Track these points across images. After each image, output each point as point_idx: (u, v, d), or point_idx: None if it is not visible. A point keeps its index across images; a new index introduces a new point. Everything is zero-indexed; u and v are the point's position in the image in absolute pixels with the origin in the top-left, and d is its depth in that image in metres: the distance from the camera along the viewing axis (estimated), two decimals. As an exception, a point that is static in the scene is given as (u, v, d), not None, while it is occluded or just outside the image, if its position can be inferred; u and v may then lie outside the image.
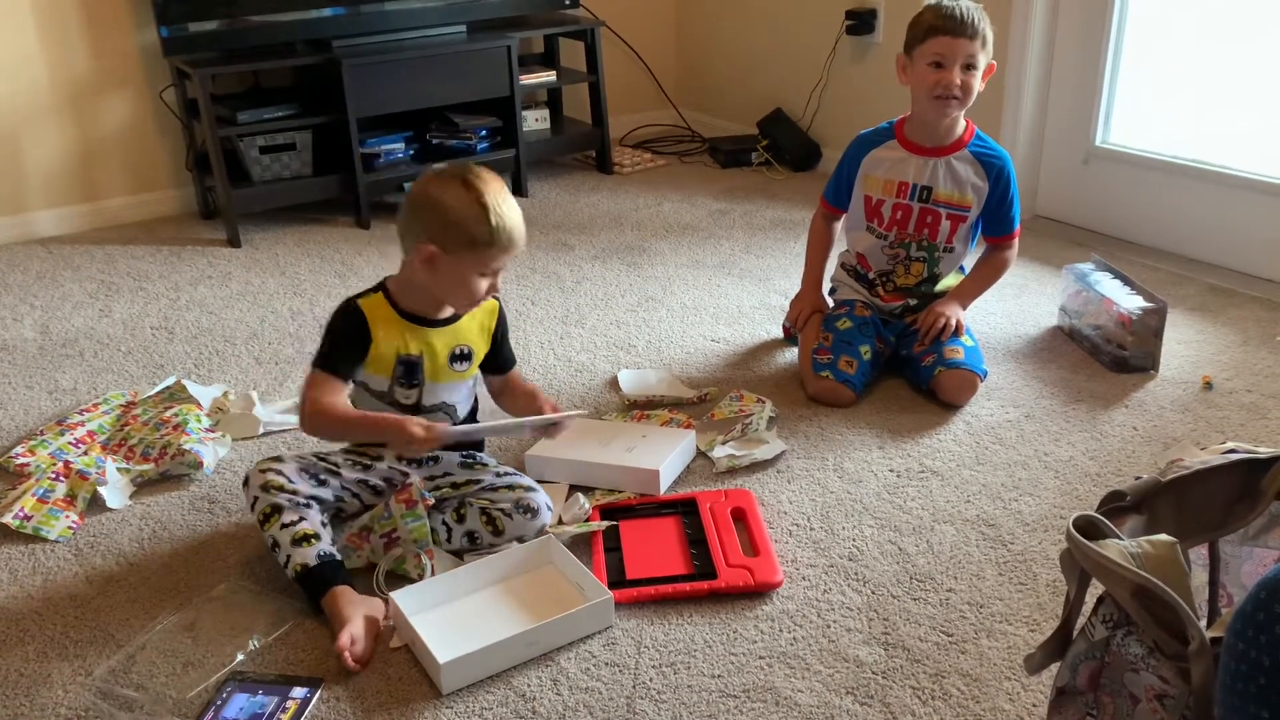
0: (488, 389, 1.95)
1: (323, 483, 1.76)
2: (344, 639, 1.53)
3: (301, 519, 1.68)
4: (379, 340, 1.73)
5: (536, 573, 1.73)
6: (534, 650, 1.56)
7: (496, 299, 1.82)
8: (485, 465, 1.88)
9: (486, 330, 1.84)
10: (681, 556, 1.76)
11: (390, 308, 1.75)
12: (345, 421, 1.72)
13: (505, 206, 1.66)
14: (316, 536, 1.66)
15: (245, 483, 1.74)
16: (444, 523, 1.79)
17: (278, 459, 1.76)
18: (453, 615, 1.63)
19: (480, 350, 1.83)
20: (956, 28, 2.17)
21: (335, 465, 1.80)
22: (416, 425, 1.67)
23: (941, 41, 2.18)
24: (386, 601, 1.63)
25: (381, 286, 1.78)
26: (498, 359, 1.88)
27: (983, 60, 2.20)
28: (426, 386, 1.79)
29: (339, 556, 1.67)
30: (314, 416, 1.70)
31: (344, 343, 1.74)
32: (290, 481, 1.72)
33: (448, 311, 1.77)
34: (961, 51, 2.17)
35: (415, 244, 1.68)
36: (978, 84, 2.22)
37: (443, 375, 1.80)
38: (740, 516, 1.86)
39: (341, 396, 1.73)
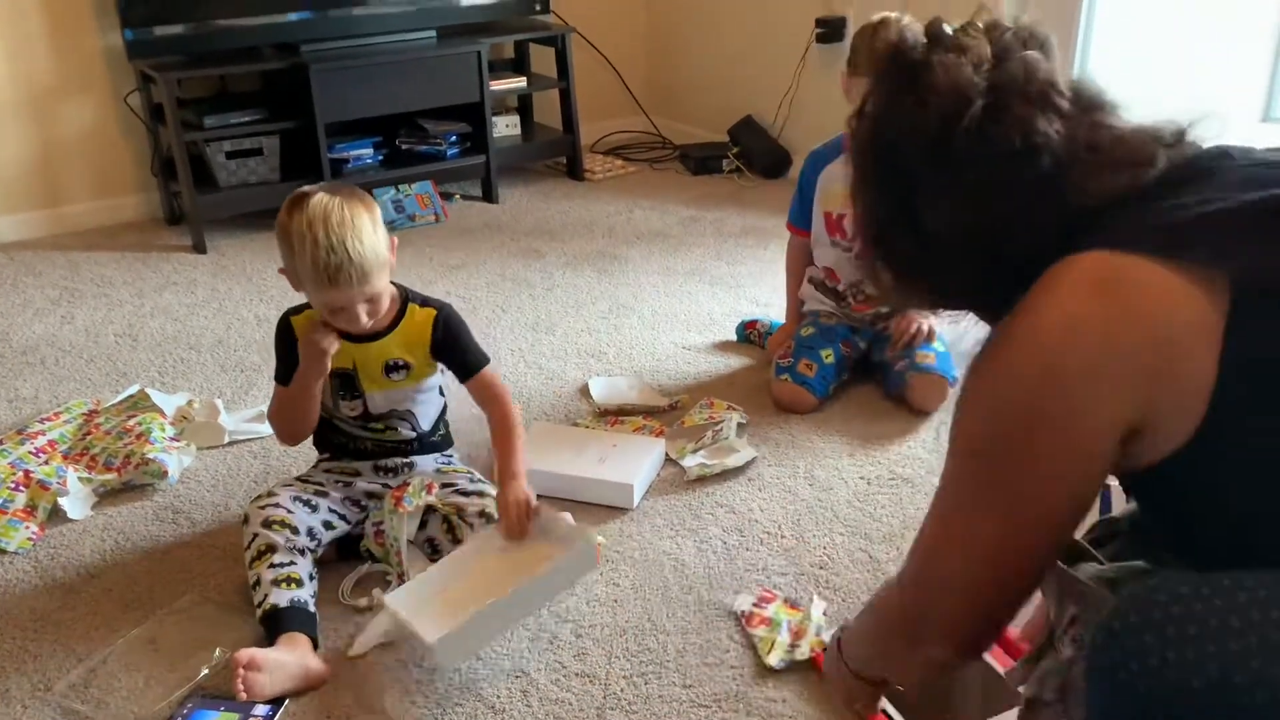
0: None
1: (315, 508, 1.75)
2: (244, 655, 1.48)
3: (292, 563, 1.65)
4: None
5: (518, 547, 1.69)
6: (527, 610, 1.57)
7: (436, 308, 1.78)
8: (458, 470, 1.87)
9: (418, 344, 1.77)
10: None
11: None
12: (282, 397, 1.78)
13: (325, 242, 1.57)
14: (299, 584, 1.63)
15: (245, 521, 1.72)
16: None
17: (270, 493, 1.75)
18: (440, 600, 1.60)
19: (417, 361, 1.78)
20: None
21: (321, 485, 1.79)
22: (312, 337, 1.68)
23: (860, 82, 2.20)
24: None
25: None
26: (454, 365, 1.81)
27: None
28: (368, 397, 1.78)
29: (313, 609, 1.63)
30: (270, 419, 1.84)
31: (284, 355, 1.76)
32: (290, 513, 1.70)
33: (366, 321, 1.68)
34: None
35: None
36: None
37: (381, 385, 1.78)
38: None
39: None
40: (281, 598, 1.60)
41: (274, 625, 1.58)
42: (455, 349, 1.79)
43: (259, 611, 1.60)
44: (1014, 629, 1.49)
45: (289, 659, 1.51)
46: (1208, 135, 0.99)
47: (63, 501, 1.94)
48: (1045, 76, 0.97)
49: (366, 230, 1.61)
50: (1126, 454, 0.91)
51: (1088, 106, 0.98)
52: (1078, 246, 0.91)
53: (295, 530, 1.69)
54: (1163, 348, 0.87)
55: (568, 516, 1.74)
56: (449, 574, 1.64)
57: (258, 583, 1.63)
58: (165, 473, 2.02)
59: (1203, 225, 0.89)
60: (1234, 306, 0.85)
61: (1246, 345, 0.85)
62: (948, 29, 1.02)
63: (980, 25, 1.01)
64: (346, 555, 1.80)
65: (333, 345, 1.68)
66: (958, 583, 0.97)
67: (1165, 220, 0.90)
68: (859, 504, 1.94)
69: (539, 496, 1.95)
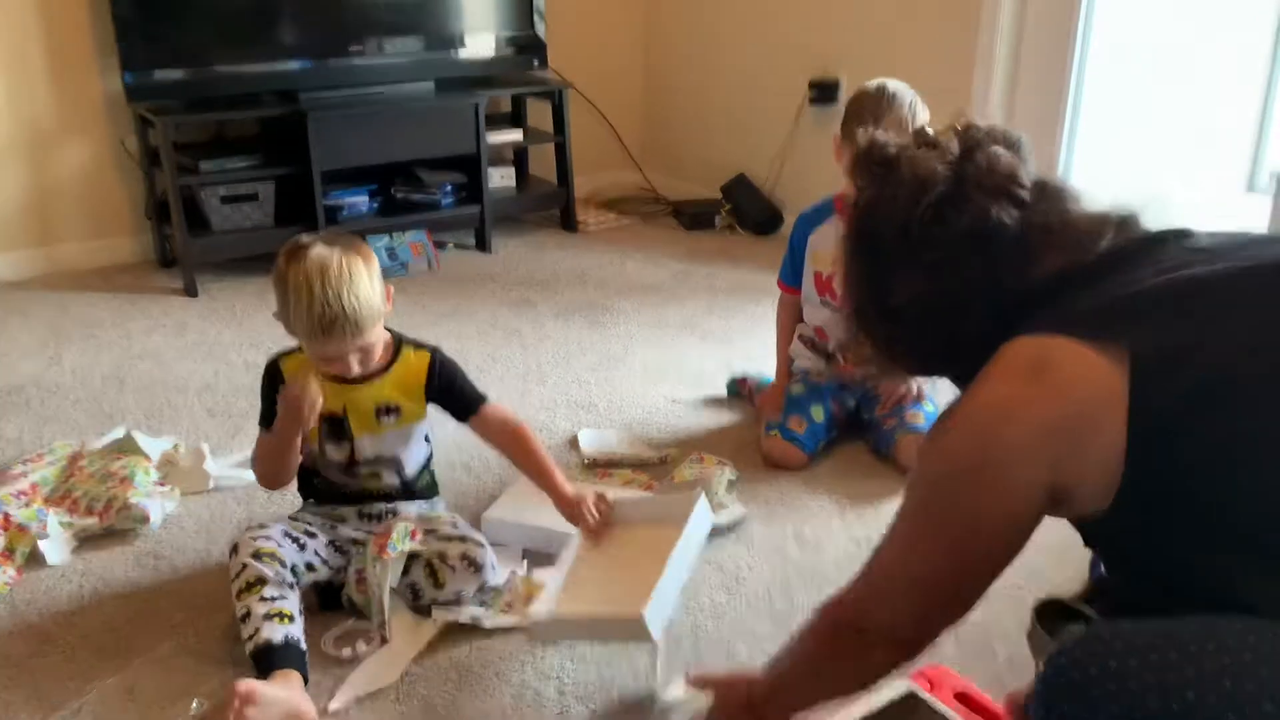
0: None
1: (303, 547, 1.74)
2: (243, 686, 1.45)
3: (283, 597, 1.63)
4: None
5: (612, 535, 1.75)
6: (686, 577, 1.63)
7: (430, 351, 1.80)
8: (441, 517, 1.85)
9: (411, 388, 1.78)
10: None
11: (311, 365, 1.73)
12: (264, 443, 1.76)
13: (321, 295, 1.59)
14: (291, 619, 1.61)
15: (233, 550, 1.69)
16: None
17: (263, 525, 1.74)
18: (587, 596, 1.64)
19: (409, 406, 1.79)
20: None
21: (310, 525, 1.78)
22: (293, 392, 1.68)
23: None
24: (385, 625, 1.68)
25: None
26: (454, 406, 1.82)
27: None
28: (357, 442, 1.78)
29: (304, 647, 1.61)
30: (252, 464, 1.82)
31: (270, 399, 1.75)
32: (280, 547, 1.69)
33: (357, 370, 1.71)
34: None
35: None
36: None
37: (371, 428, 1.78)
38: None
39: None
40: (275, 633, 1.57)
41: (267, 661, 1.55)
42: (453, 390, 1.81)
43: (250, 646, 1.57)
44: (998, 704, 1.48)
45: (284, 696, 1.49)
46: (1174, 217, 1.13)
47: (42, 545, 1.91)
48: (1006, 169, 1.10)
49: (363, 284, 1.62)
50: (1061, 510, 1.04)
51: (1048, 196, 1.11)
52: (1026, 321, 1.04)
53: (284, 564, 1.67)
54: (1081, 421, 0.99)
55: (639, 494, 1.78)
56: (571, 581, 1.67)
57: (247, 615, 1.60)
58: (147, 518, 2.00)
59: (1115, 307, 1.02)
60: (1132, 378, 0.97)
61: (1144, 413, 0.96)
62: (929, 130, 1.16)
63: (959, 126, 1.16)
64: (328, 604, 1.77)
65: (316, 399, 1.68)
66: (904, 593, 1.14)
67: (1091, 304, 1.03)
68: (847, 564, 1.93)
69: (524, 551, 1.94)
